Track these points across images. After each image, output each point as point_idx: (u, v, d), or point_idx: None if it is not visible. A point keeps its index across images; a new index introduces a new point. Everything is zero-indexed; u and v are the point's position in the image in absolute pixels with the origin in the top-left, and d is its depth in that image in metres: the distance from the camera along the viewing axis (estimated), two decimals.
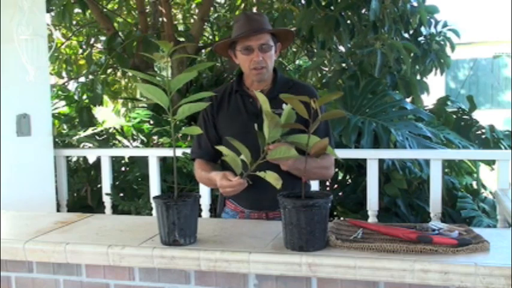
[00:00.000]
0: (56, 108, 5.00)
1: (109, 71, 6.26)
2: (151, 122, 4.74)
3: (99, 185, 4.26)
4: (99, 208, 4.11)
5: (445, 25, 5.07)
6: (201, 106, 1.52)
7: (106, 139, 4.63)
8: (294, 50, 6.75)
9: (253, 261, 1.38)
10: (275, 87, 2.00)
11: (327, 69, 5.41)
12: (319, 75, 5.46)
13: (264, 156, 1.55)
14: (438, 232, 1.45)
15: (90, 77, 5.36)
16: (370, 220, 3.30)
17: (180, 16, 7.37)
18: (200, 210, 3.07)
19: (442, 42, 4.99)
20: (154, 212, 2.04)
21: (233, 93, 2.05)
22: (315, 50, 5.43)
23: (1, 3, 3.15)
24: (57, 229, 1.71)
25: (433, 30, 5.00)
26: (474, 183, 4.46)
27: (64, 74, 6.84)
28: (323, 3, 4.71)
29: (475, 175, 4.52)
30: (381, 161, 3.61)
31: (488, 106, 13.42)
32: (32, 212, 2.06)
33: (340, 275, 1.33)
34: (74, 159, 4.65)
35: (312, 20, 4.64)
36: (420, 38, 4.92)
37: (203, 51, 6.20)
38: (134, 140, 4.84)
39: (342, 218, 3.56)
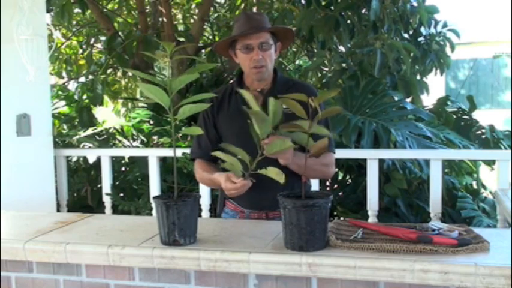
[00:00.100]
0: (56, 108, 5.00)
1: (109, 71, 6.26)
2: (151, 122, 4.74)
3: (99, 185, 4.26)
4: (99, 208, 4.11)
5: (445, 25, 5.06)
6: (201, 107, 1.52)
7: (106, 139, 4.63)
8: (294, 50, 6.75)
9: (253, 261, 1.38)
10: (275, 87, 2.00)
11: (327, 69, 5.41)
12: (319, 75, 5.46)
13: (262, 152, 1.54)
14: (438, 232, 1.45)
15: (90, 77, 5.36)
16: (370, 220, 3.30)
17: (180, 16, 7.37)
18: (200, 210, 3.07)
19: (442, 43, 4.99)
20: (154, 212, 2.04)
21: (233, 93, 2.06)
22: (315, 50, 5.43)
23: (1, 3, 3.15)
24: (57, 229, 1.71)
25: (433, 30, 4.99)
26: (474, 183, 4.46)
27: (64, 74, 6.85)
28: (323, 3, 4.71)
29: (475, 175, 4.52)
30: (381, 161, 3.61)
31: (488, 106, 13.42)
32: (32, 212, 2.06)
33: (340, 275, 1.33)
34: (74, 159, 4.65)
35: (312, 20, 4.64)
36: (420, 38, 4.92)
37: (203, 51, 6.20)
38: (134, 140, 4.84)
39: (342, 218, 3.56)
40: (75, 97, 5.22)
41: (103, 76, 5.39)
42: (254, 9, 6.17)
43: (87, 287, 1.57)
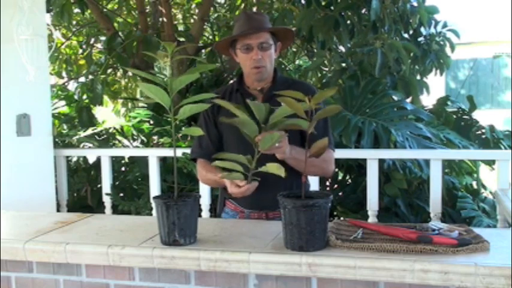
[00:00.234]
0: (56, 108, 4.99)
1: (109, 71, 6.26)
2: (152, 122, 4.73)
3: (99, 185, 4.26)
4: (99, 208, 4.11)
5: (445, 25, 5.06)
6: (202, 107, 1.52)
7: (106, 139, 4.63)
8: (294, 50, 6.75)
9: (253, 261, 1.38)
10: (275, 86, 2.00)
11: (327, 69, 5.41)
12: (319, 75, 5.46)
13: (258, 150, 1.54)
14: (438, 232, 1.45)
15: (90, 77, 5.35)
16: (370, 220, 3.30)
17: (180, 16, 7.37)
18: (200, 210, 3.07)
19: (441, 43, 4.99)
20: (154, 212, 2.04)
21: (234, 93, 2.06)
22: (315, 50, 5.43)
23: (1, 3, 3.15)
24: (57, 229, 1.71)
25: (432, 30, 4.99)
26: (474, 183, 4.46)
27: (64, 74, 6.85)
28: (323, 3, 4.71)
29: (475, 175, 4.52)
30: (381, 161, 3.61)
31: (488, 106, 13.42)
32: (32, 212, 2.06)
33: (340, 275, 1.33)
34: (74, 159, 4.65)
35: (312, 20, 4.64)
36: (420, 38, 4.92)
37: (203, 51, 6.20)
38: (134, 140, 4.84)
39: (342, 218, 3.56)
40: (75, 97, 5.22)
41: (103, 76, 5.38)
42: (254, 9, 6.18)
43: (87, 287, 1.57)
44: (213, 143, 2.05)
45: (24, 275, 1.62)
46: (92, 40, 6.77)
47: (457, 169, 4.35)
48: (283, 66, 6.46)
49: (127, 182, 4.27)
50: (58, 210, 3.88)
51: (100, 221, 1.82)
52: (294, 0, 5.25)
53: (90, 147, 4.41)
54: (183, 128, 4.13)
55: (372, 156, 3.38)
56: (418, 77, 4.89)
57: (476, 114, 4.82)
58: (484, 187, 4.51)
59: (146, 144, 4.69)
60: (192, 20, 6.96)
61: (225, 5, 6.97)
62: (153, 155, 3.71)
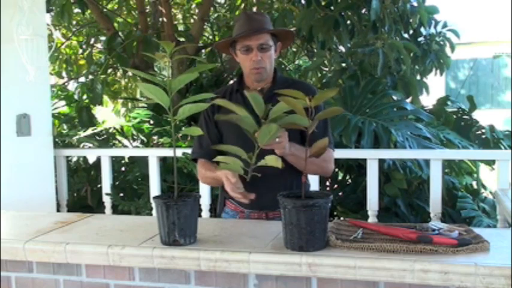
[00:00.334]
0: (56, 108, 5.00)
1: (109, 71, 6.25)
2: (151, 122, 4.74)
3: (99, 185, 4.26)
4: (99, 208, 4.11)
5: (444, 25, 5.06)
6: (201, 107, 1.52)
7: (106, 139, 4.63)
8: (294, 50, 6.75)
9: (253, 261, 1.38)
10: (275, 86, 2.01)
11: (327, 69, 5.41)
12: (319, 75, 5.46)
13: (258, 145, 1.54)
14: (438, 232, 1.44)
15: (90, 77, 5.35)
16: (370, 220, 3.30)
17: (180, 16, 7.37)
18: (200, 210, 3.07)
19: (441, 43, 4.99)
20: (154, 212, 2.04)
21: (234, 93, 2.06)
22: (315, 50, 5.43)
23: (1, 3, 3.15)
24: (57, 229, 1.71)
25: (432, 30, 4.99)
26: (474, 183, 4.46)
27: (64, 74, 6.84)
28: (323, 3, 4.71)
29: (475, 175, 4.52)
30: (381, 161, 3.61)
31: (488, 106, 13.42)
32: (32, 212, 2.06)
33: (340, 275, 1.33)
34: (74, 159, 4.65)
35: (312, 20, 4.64)
36: (420, 38, 4.92)
37: (203, 51, 6.20)
38: (134, 140, 4.84)
39: (342, 218, 3.56)
40: (75, 97, 5.22)
41: (103, 76, 5.38)
42: (254, 9, 6.18)
43: (87, 287, 1.57)
44: (213, 143, 2.05)
45: (24, 275, 1.62)
46: (92, 40, 6.76)
47: (457, 169, 4.35)
48: (283, 66, 6.46)
49: (127, 182, 4.27)
50: (58, 210, 3.88)
51: (100, 221, 1.82)
52: (294, 0, 5.25)
53: (90, 147, 4.41)
54: (183, 128, 4.13)
55: (372, 156, 3.38)
56: (418, 77, 4.89)
57: (476, 114, 4.82)
58: (484, 187, 4.51)
59: (146, 144, 4.69)
60: (192, 20, 6.96)
61: (225, 5, 6.97)
62: (153, 155, 3.71)
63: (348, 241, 1.41)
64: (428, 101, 4.91)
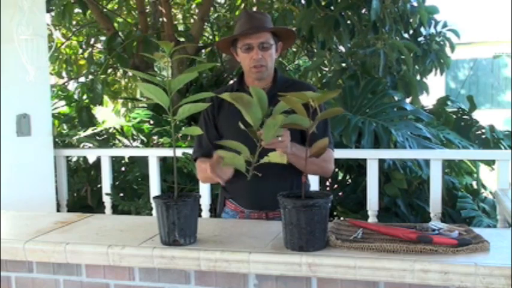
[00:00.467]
0: (56, 108, 5.00)
1: (109, 71, 6.26)
2: (151, 122, 4.74)
3: (99, 185, 4.26)
4: (99, 208, 4.11)
5: (445, 25, 5.06)
6: (201, 107, 1.52)
7: (106, 139, 4.63)
8: (294, 50, 6.75)
9: (253, 261, 1.38)
10: (275, 86, 2.01)
11: (327, 69, 5.41)
12: (319, 75, 5.46)
13: (260, 144, 1.53)
14: (438, 232, 1.44)
15: (90, 77, 5.36)
16: (370, 220, 3.30)
17: (180, 16, 7.37)
18: (200, 210, 3.07)
19: (441, 43, 4.99)
20: (154, 212, 2.04)
21: (234, 92, 2.06)
22: (315, 50, 5.43)
23: (1, 3, 3.15)
24: (57, 229, 1.71)
25: (432, 30, 5.00)
26: (474, 183, 4.46)
27: (64, 74, 6.84)
28: (323, 3, 4.71)
29: (475, 175, 4.52)
30: (381, 161, 3.61)
31: (488, 106, 13.42)
32: (32, 212, 2.06)
33: (340, 275, 1.33)
34: (74, 159, 4.65)
35: (312, 20, 4.64)
36: (420, 38, 4.92)
37: (203, 51, 6.20)
38: (134, 140, 4.84)
39: (342, 218, 3.56)
40: (75, 97, 5.22)
41: (103, 76, 5.39)
42: (254, 9, 6.18)
43: (87, 287, 1.57)
44: (212, 144, 2.05)
45: (24, 275, 1.62)
46: (92, 40, 6.76)
47: (457, 169, 4.35)
48: (283, 66, 6.46)
49: (127, 182, 4.27)
50: (58, 210, 3.88)
51: (100, 221, 1.82)
52: (294, 0, 5.25)
53: (90, 147, 4.41)
54: (183, 128, 4.13)
55: (372, 156, 3.38)
56: (418, 77, 4.89)
57: (476, 114, 4.82)
58: (484, 187, 4.51)
59: (146, 144, 4.69)
60: (192, 20, 6.96)
61: (225, 5, 6.97)
62: (153, 155, 3.71)
63: (348, 241, 1.41)
64: (428, 101, 4.91)
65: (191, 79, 1.57)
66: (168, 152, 3.79)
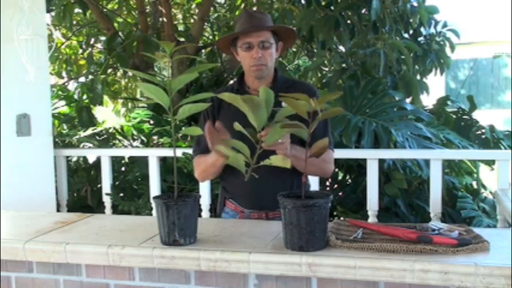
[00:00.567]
0: (56, 108, 5.00)
1: (109, 71, 6.26)
2: (152, 122, 4.74)
3: (99, 185, 4.26)
4: (99, 208, 4.11)
5: (445, 25, 5.06)
6: (201, 107, 1.52)
7: (106, 139, 4.63)
8: (294, 50, 6.75)
9: (253, 261, 1.38)
10: (275, 86, 2.00)
11: (327, 69, 5.41)
12: (319, 75, 5.45)
13: (261, 146, 1.53)
14: (438, 232, 1.44)
15: (90, 77, 5.36)
16: (370, 220, 3.30)
17: (180, 16, 7.37)
18: (200, 210, 3.07)
19: (442, 43, 4.99)
20: (154, 212, 2.04)
21: (234, 93, 2.05)
22: (315, 50, 5.43)
23: (1, 3, 3.15)
24: (57, 229, 1.71)
25: (432, 30, 4.99)
26: (474, 183, 4.46)
27: (64, 74, 6.84)
28: (323, 3, 4.71)
29: (475, 175, 4.52)
30: (381, 161, 3.61)
31: (488, 106, 13.43)
32: (32, 212, 2.06)
33: (340, 275, 1.33)
34: (74, 159, 4.65)
35: (312, 20, 4.64)
36: (420, 38, 4.92)
37: (203, 51, 6.20)
38: (134, 140, 4.84)
39: (342, 218, 3.56)
40: (75, 97, 5.22)
41: (103, 76, 5.38)
42: (254, 9, 6.18)
43: (87, 287, 1.57)
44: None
45: (24, 275, 1.62)
46: (92, 40, 6.76)
47: (457, 169, 4.35)
48: (283, 66, 6.46)
49: (127, 182, 4.27)
50: (58, 210, 3.88)
51: (100, 221, 1.82)
52: (294, 0, 5.25)
53: (90, 147, 4.41)
54: (183, 128, 4.13)
55: (372, 156, 3.38)
56: (418, 77, 4.89)
57: (476, 114, 4.82)
58: (484, 187, 4.51)
59: (146, 144, 4.69)
60: (192, 20, 6.96)
61: (225, 5, 6.97)
62: (153, 155, 3.71)
63: (348, 241, 1.41)
64: (428, 101, 4.91)
65: (191, 79, 1.56)
66: (168, 152, 3.79)
